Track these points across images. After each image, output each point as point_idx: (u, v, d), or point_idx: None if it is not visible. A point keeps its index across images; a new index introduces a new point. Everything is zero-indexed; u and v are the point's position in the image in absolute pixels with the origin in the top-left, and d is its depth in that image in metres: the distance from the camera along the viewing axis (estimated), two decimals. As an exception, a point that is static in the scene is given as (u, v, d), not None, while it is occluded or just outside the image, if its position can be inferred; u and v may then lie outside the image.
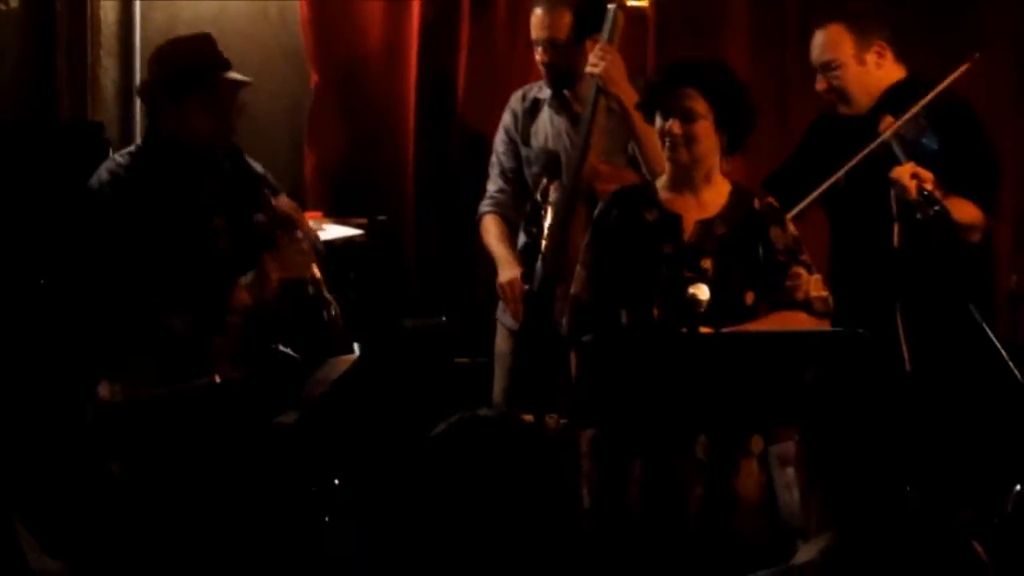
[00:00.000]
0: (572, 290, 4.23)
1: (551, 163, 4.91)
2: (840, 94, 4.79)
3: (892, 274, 4.55)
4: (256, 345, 4.17)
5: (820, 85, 4.82)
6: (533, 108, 5.08)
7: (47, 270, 4.59)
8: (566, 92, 5.00)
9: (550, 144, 5.00)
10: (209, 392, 3.80)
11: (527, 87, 5.17)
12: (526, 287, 4.75)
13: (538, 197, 4.75)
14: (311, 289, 4.20)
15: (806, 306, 4.10)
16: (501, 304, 5.12)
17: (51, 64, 5.52)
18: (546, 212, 4.70)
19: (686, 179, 4.15)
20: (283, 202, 4.30)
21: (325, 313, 4.18)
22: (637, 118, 4.62)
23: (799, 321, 4.10)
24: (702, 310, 3.89)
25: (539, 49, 4.95)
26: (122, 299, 4.10)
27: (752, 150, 4.40)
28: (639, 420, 3.95)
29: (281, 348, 4.18)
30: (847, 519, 2.74)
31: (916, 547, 2.77)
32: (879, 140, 4.55)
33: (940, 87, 4.60)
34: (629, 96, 4.69)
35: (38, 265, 4.65)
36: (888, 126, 4.57)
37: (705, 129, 4.08)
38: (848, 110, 4.79)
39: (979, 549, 2.89)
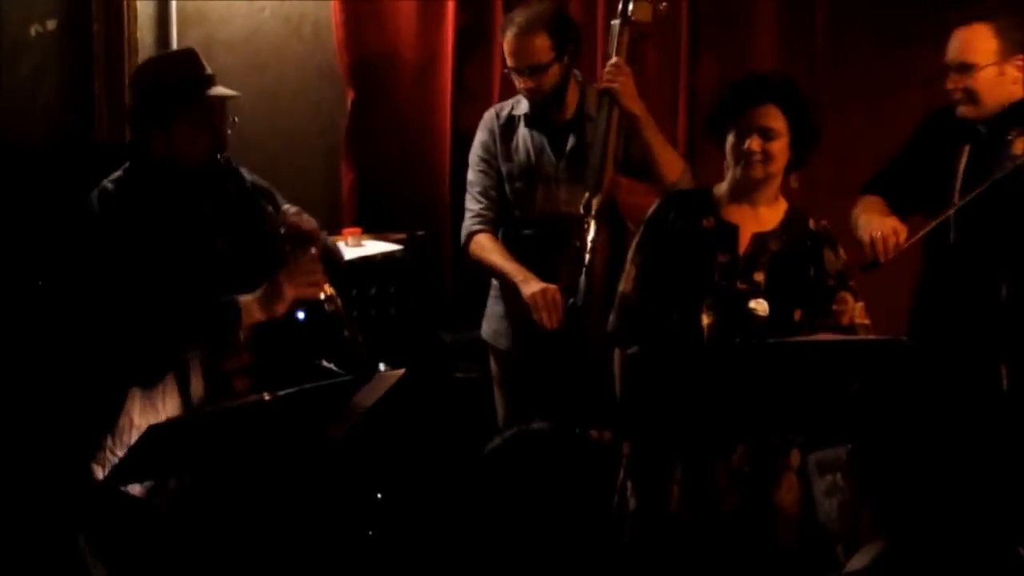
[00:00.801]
0: (620, 287, 4.22)
1: (582, 175, 4.91)
2: (970, 95, 4.50)
3: (998, 326, 4.38)
4: (290, 361, 4.17)
5: (949, 84, 4.53)
6: (509, 125, 5.04)
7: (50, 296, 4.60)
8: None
9: (532, 160, 4.98)
10: (256, 409, 3.79)
11: (499, 105, 5.14)
12: (571, 300, 4.70)
13: (581, 210, 4.74)
14: (328, 307, 4.14)
15: (849, 332, 4.06)
16: (486, 326, 5.12)
17: (88, 86, 5.52)
18: (589, 226, 4.66)
19: (750, 193, 4.12)
20: (298, 217, 4.16)
21: (346, 332, 4.11)
22: (649, 129, 4.72)
23: None
24: (760, 325, 3.93)
25: (519, 77, 4.87)
26: (131, 329, 4.00)
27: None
28: (681, 428, 3.99)
29: (324, 363, 4.18)
30: (897, 527, 2.77)
31: (963, 553, 2.80)
32: (1018, 163, 4.31)
33: None
34: (642, 109, 4.75)
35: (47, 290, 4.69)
36: None
37: (782, 147, 4.06)
38: (972, 113, 4.52)
39: (1024, 554, 2.92)
